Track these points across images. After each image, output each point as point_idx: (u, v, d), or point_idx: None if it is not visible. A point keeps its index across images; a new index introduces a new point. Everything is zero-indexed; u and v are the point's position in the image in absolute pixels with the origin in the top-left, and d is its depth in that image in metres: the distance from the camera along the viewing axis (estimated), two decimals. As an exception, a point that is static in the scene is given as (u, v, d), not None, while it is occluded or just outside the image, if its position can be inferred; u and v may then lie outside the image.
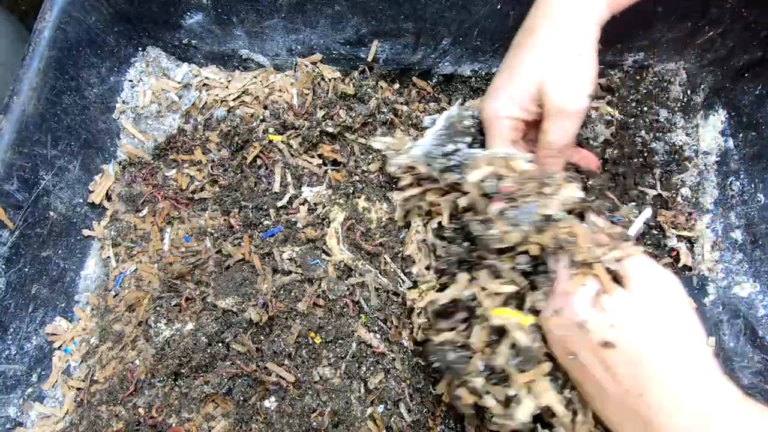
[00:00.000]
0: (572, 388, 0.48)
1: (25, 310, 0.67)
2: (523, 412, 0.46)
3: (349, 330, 0.64)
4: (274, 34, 0.77)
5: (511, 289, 0.50)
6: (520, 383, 0.47)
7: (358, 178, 0.72)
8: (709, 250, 0.67)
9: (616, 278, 0.45)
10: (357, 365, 0.63)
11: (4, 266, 0.64)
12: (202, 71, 0.83)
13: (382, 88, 0.79)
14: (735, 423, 0.38)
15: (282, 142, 0.73)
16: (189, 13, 0.76)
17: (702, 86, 0.72)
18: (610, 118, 0.70)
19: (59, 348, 0.70)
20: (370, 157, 0.73)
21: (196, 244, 0.69)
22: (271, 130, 0.74)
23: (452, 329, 0.53)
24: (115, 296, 0.71)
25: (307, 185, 0.73)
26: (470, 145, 0.60)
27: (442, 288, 0.58)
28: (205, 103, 0.80)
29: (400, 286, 0.66)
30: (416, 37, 0.74)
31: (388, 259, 0.67)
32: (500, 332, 0.50)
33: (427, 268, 0.64)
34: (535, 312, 0.49)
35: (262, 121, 0.76)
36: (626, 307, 0.43)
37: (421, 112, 0.76)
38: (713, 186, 0.69)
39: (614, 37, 0.70)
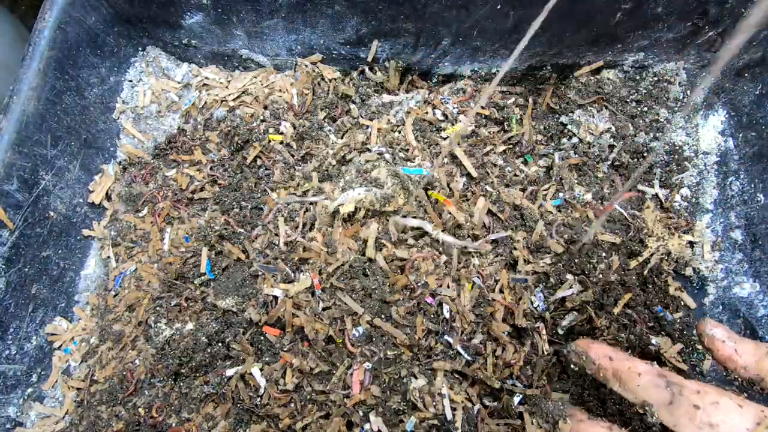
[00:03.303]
0: None
1: (25, 310, 0.67)
2: None
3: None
4: (274, 34, 0.77)
5: None
6: None
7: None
8: (709, 250, 0.67)
9: None
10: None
11: (4, 266, 0.64)
12: (202, 71, 0.83)
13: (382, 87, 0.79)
14: None
15: (281, 142, 0.73)
16: (189, 13, 0.76)
17: (702, 86, 0.72)
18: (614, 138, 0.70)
19: (59, 348, 0.70)
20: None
21: (196, 244, 0.69)
22: (271, 130, 0.74)
23: None
24: (115, 296, 0.71)
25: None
26: None
27: None
28: (205, 103, 0.80)
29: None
30: (416, 37, 0.74)
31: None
32: None
33: None
34: None
35: (262, 121, 0.76)
36: None
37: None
38: (713, 186, 0.69)
39: (614, 37, 0.70)
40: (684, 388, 0.31)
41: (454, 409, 0.58)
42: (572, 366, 0.42)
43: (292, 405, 0.60)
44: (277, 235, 0.66)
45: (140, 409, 0.63)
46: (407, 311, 0.60)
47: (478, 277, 0.61)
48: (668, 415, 0.30)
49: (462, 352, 0.59)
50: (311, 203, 0.66)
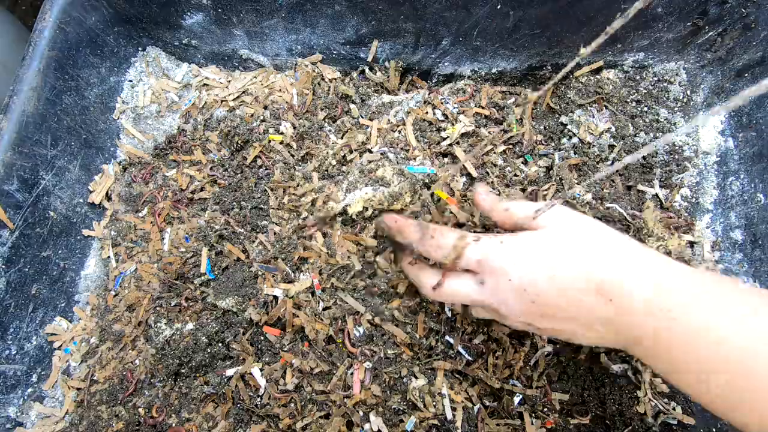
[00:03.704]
0: None
1: (25, 310, 0.67)
2: None
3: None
4: (274, 34, 0.77)
5: None
6: None
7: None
8: (709, 250, 0.67)
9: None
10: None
11: (4, 266, 0.64)
12: (202, 71, 0.83)
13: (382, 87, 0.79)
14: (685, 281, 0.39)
15: (281, 142, 0.73)
16: (189, 13, 0.76)
17: (702, 86, 0.72)
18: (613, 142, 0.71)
19: (59, 348, 0.70)
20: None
21: (196, 244, 0.69)
22: (271, 130, 0.74)
23: None
24: (115, 296, 0.71)
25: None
26: None
27: None
28: (205, 103, 0.80)
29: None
30: (416, 37, 0.74)
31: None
32: None
33: None
34: None
35: (262, 121, 0.76)
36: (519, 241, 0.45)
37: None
38: (713, 186, 0.69)
39: (614, 37, 0.70)
40: (428, 228, 0.50)
41: (454, 409, 0.58)
42: (379, 232, 0.60)
43: (292, 405, 0.61)
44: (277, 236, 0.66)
45: (140, 409, 0.63)
46: (409, 310, 0.60)
47: None
48: (421, 246, 0.50)
49: (463, 352, 0.59)
50: (312, 202, 0.66)
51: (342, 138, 0.73)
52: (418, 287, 0.52)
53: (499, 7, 0.68)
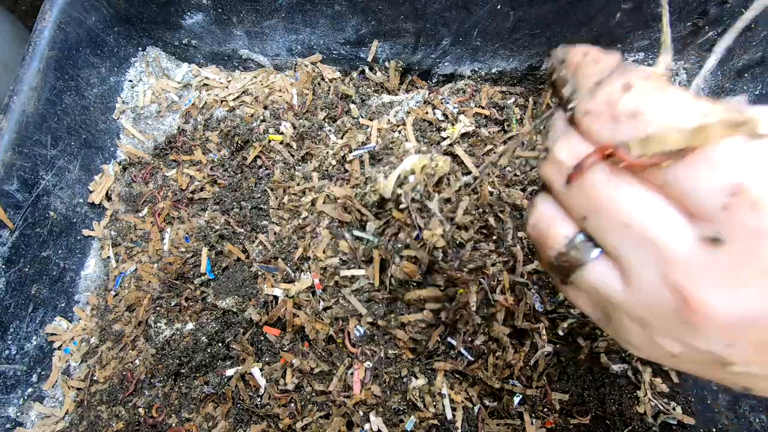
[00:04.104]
0: None
1: (25, 310, 0.67)
2: None
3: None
4: (274, 34, 0.77)
5: None
6: None
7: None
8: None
9: None
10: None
11: (4, 266, 0.64)
12: (202, 71, 0.83)
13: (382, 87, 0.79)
14: None
15: (281, 142, 0.73)
16: (189, 13, 0.76)
17: (702, 86, 0.72)
18: None
19: (59, 348, 0.70)
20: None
21: (196, 244, 0.69)
22: (271, 130, 0.74)
23: None
24: (115, 296, 0.71)
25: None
26: None
27: None
28: (205, 103, 0.80)
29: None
30: (416, 37, 0.74)
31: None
32: None
33: None
34: None
35: (262, 121, 0.76)
36: None
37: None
38: (713, 186, 0.69)
39: (614, 37, 0.70)
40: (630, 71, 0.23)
41: (454, 409, 0.58)
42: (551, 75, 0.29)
43: (292, 405, 0.61)
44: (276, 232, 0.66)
45: (140, 409, 0.63)
46: (424, 326, 0.59)
47: (483, 277, 0.61)
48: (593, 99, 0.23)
49: (465, 353, 0.59)
50: (312, 202, 0.66)
51: (342, 138, 0.73)
52: (545, 160, 0.26)
53: (499, 7, 0.67)
